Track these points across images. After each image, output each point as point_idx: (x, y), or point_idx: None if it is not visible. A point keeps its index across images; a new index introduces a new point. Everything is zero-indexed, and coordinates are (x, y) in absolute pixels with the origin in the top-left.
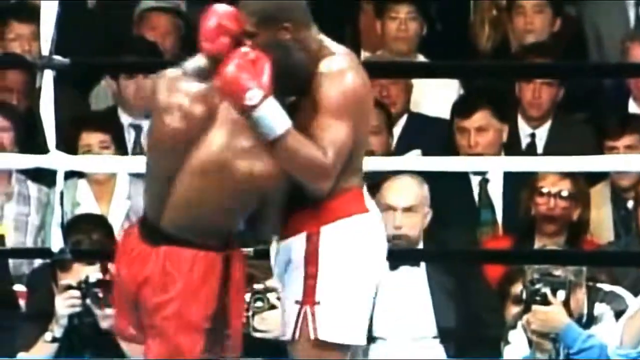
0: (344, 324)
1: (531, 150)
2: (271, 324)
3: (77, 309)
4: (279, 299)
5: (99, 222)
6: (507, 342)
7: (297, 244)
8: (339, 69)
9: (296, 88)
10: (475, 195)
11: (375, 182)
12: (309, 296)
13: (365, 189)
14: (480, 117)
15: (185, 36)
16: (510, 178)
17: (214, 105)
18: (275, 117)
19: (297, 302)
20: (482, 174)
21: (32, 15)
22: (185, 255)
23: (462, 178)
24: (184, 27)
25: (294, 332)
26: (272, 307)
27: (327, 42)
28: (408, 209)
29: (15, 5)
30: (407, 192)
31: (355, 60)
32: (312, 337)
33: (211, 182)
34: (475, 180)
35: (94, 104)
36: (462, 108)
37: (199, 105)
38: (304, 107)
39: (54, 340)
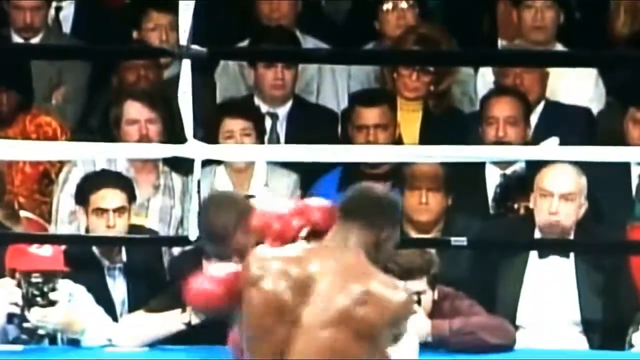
0: None
1: None
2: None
3: None
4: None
5: None
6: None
7: None
8: None
9: None
10: (633, 188)
11: (533, 167)
12: None
13: None
14: None
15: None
16: None
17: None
18: None
19: None
20: None
21: (171, 5)
22: None
23: (623, 170)
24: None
25: None
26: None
27: None
28: (565, 197)
29: None
30: (565, 179)
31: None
32: None
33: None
34: (635, 172)
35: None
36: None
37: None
38: None
39: (188, 324)
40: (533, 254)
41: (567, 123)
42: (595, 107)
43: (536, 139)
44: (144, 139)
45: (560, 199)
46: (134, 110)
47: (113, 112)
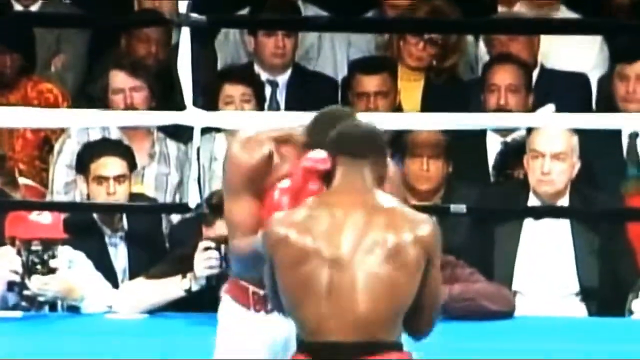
0: None
1: None
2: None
3: (215, 271)
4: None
5: None
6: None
7: None
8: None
9: None
10: (624, 149)
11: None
12: None
13: None
14: None
15: None
16: None
17: None
18: None
19: None
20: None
21: None
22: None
23: (613, 131)
24: None
25: None
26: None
27: None
28: (556, 156)
29: None
30: (556, 139)
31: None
32: None
33: None
34: (625, 133)
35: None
36: (626, 53)
37: None
38: None
39: (188, 291)
40: (529, 219)
41: (563, 89)
42: (598, 73)
43: (532, 106)
44: (129, 107)
45: (552, 158)
46: (118, 79)
47: (100, 82)
